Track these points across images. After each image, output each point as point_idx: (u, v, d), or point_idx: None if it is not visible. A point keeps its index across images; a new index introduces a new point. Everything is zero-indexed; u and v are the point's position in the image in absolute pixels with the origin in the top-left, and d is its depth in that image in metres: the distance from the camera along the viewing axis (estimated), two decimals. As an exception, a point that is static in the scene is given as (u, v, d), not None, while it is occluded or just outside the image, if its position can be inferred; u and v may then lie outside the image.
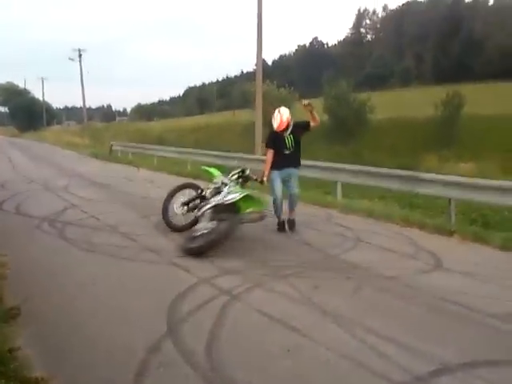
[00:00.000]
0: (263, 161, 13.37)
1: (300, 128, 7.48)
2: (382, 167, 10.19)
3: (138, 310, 4.27)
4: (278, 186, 7.46)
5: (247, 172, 7.28)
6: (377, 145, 29.05)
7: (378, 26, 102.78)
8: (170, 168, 16.59)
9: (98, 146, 28.23)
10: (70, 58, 52.20)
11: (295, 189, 7.51)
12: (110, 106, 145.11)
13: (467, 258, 6.08)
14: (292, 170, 7.53)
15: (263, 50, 18.12)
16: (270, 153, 7.48)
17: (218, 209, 6.38)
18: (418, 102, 37.00)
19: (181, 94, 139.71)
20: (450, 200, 8.02)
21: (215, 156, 15.69)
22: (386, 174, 9.33)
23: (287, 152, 7.42)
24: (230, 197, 6.42)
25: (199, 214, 6.54)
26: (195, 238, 6.17)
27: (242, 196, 6.41)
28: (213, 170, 7.69)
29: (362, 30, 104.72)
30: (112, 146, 23.74)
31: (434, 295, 4.68)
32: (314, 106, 7.35)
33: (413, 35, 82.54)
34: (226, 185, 6.82)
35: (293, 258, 5.93)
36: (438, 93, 33.79)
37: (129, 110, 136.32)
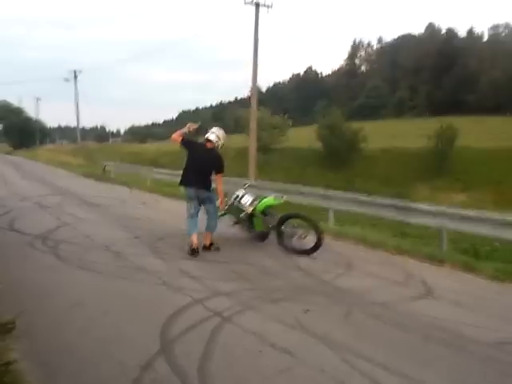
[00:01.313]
0: (257, 186, 13.56)
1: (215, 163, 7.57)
2: (374, 195, 10.28)
3: (131, 329, 4.28)
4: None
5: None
6: (369, 173, 29.32)
7: (373, 57, 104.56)
8: (163, 189, 16.60)
9: (92, 166, 28.24)
10: (65, 79, 52.43)
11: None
12: (103, 127, 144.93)
13: (457, 287, 6.13)
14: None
15: (258, 77, 18.39)
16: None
17: None
18: (411, 133, 37.53)
19: (174, 118, 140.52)
20: (441, 230, 8.11)
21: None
22: (379, 204, 9.41)
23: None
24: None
25: None
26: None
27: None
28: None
29: (357, 61, 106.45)
30: (105, 166, 23.76)
31: (424, 322, 4.72)
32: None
33: (407, 68, 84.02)
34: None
35: (285, 283, 5.95)
36: (431, 124, 34.31)
37: (122, 131, 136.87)
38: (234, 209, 8.03)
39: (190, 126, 7.70)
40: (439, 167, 30.04)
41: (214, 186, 7.68)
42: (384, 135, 40.60)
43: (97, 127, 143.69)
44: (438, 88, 74.08)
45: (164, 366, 3.53)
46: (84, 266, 6.31)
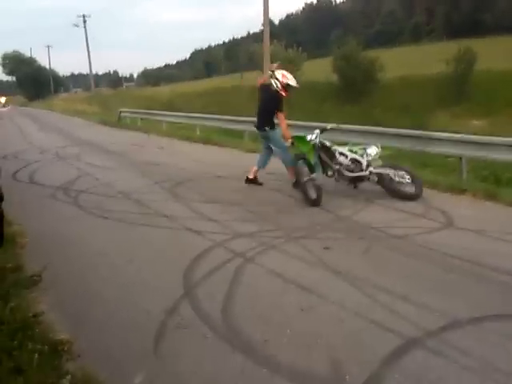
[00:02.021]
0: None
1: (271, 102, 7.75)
2: (392, 127, 10.10)
3: (155, 275, 4.39)
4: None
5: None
6: (387, 104, 28.67)
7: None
8: (179, 133, 16.59)
9: (107, 113, 28.20)
10: (74, 25, 51.80)
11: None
12: (116, 72, 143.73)
13: (478, 216, 6.09)
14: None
15: (270, 10, 17.78)
16: (283, 116, 7.65)
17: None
18: (429, 59, 36.29)
19: (187, 58, 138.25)
20: (461, 158, 8.00)
21: (224, 120, 15.62)
22: (397, 134, 9.26)
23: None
24: (372, 151, 7.19)
25: (365, 172, 7.04)
26: (402, 183, 6.86)
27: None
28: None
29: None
30: (121, 113, 23.69)
31: (445, 253, 4.72)
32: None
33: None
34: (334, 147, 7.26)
35: (304, 220, 5.99)
36: (450, 48, 33.08)
37: (135, 75, 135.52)
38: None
39: (271, 67, 8.21)
40: (459, 93, 29.19)
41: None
42: (401, 63, 39.41)
43: (110, 73, 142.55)
44: (454, 9, 70.90)
45: (188, 310, 3.63)
46: (105, 214, 6.43)
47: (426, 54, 43.11)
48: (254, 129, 14.16)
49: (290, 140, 7.41)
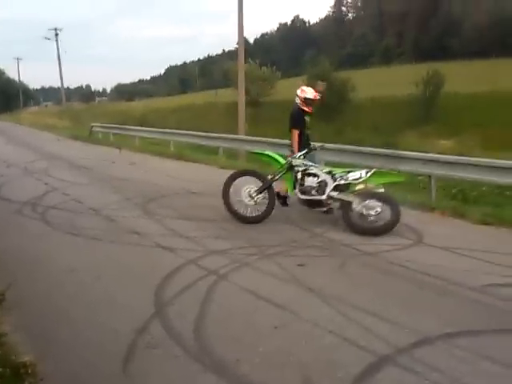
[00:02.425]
0: (248, 141, 13.47)
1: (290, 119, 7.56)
2: (364, 145, 10.26)
3: (125, 294, 4.30)
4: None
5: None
6: (359, 123, 29.16)
7: (359, 4, 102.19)
8: (152, 149, 16.48)
9: (78, 128, 27.85)
10: (46, 38, 51.25)
11: None
12: (88, 86, 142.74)
13: (447, 233, 6.19)
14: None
15: (245, 29, 17.91)
16: (296, 133, 7.36)
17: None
18: (399, 81, 37.10)
19: (162, 74, 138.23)
20: (430, 177, 8.16)
21: (198, 136, 15.60)
22: (369, 152, 9.40)
23: (308, 132, 7.53)
24: (354, 175, 6.50)
25: (321, 197, 6.55)
26: (365, 216, 6.14)
27: (372, 173, 6.48)
28: (276, 156, 7.12)
29: (343, 8, 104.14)
30: (92, 127, 23.43)
31: (415, 270, 4.78)
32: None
33: (393, 14, 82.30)
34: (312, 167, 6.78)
35: (278, 237, 5.98)
36: (419, 71, 33.96)
37: (108, 89, 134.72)
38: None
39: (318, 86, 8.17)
40: (427, 114, 29.96)
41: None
42: (373, 84, 40.17)
43: (82, 87, 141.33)
44: (423, 33, 73.02)
45: (159, 329, 3.56)
46: (74, 231, 6.30)
47: (396, 75, 44.12)
48: (228, 145, 14.24)
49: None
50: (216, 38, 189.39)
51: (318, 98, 7.45)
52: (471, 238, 5.99)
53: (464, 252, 5.38)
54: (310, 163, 6.87)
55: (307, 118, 7.50)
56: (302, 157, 6.88)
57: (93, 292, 4.36)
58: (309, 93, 7.38)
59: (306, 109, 7.39)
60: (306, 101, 7.36)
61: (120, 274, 4.84)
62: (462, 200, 8.29)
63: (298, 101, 7.44)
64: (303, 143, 7.33)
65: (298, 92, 7.44)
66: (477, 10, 66.57)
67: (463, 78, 37.27)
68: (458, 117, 28.22)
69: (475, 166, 7.65)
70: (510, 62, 47.14)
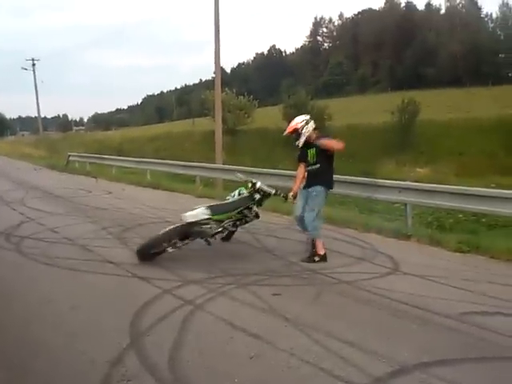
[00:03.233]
0: (225, 170, 13.52)
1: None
2: (341, 173, 10.35)
3: (100, 324, 4.22)
4: (298, 205, 6.60)
5: (258, 185, 6.47)
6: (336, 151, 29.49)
7: (335, 33, 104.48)
8: (129, 178, 16.43)
9: (55, 157, 27.61)
10: (22, 68, 51.13)
11: (304, 211, 6.48)
12: (66, 116, 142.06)
13: (423, 261, 6.26)
14: (310, 190, 6.51)
15: (221, 58, 18.16)
16: (301, 167, 6.61)
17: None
18: (375, 109, 37.93)
19: (139, 103, 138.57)
20: (406, 204, 8.26)
21: (175, 165, 15.62)
22: (346, 181, 9.47)
23: (309, 168, 6.53)
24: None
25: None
26: None
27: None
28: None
29: (319, 38, 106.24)
30: (69, 156, 23.26)
31: (392, 298, 4.81)
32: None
33: (369, 43, 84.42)
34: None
35: (254, 266, 5.97)
36: (394, 99, 34.73)
37: (86, 119, 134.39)
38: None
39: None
40: (403, 142, 30.48)
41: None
42: (349, 112, 40.90)
43: (59, 116, 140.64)
44: (398, 63, 75.01)
45: (134, 360, 3.49)
46: (50, 261, 6.18)
47: (372, 104, 45.05)
48: (205, 174, 14.26)
49: (291, 194, 6.47)
50: (193, 67, 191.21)
51: (291, 130, 6.55)
52: (447, 266, 6.07)
53: (440, 280, 5.44)
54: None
55: (310, 151, 6.52)
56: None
57: (69, 322, 4.27)
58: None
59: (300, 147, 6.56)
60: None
61: (96, 304, 4.75)
62: (437, 227, 8.43)
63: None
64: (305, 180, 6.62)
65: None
66: (451, 40, 68.73)
67: (438, 106, 38.25)
68: (434, 144, 28.81)
69: (451, 193, 7.78)
70: (483, 90, 48.67)
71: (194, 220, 6.13)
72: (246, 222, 6.63)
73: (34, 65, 51.20)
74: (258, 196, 6.45)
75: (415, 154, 27.77)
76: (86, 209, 10.31)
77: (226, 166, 14.21)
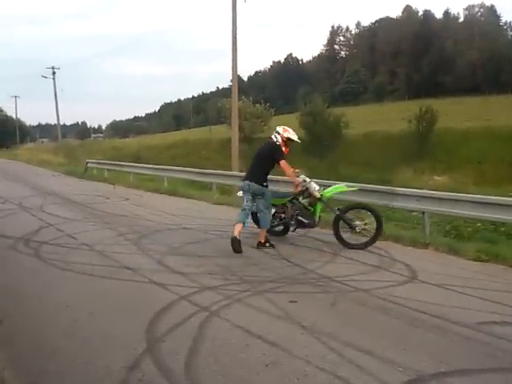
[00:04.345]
0: (241, 177, 13.52)
1: (271, 153, 7.42)
2: (358, 181, 10.31)
3: (117, 330, 4.25)
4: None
5: (305, 183, 7.67)
6: (352, 159, 29.44)
7: (352, 42, 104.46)
8: (146, 185, 16.55)
9: (73, 164, 27.94)
10: (43, 76, 51.89)
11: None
12: (84, 123, 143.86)
13: (441, 270, 6.20)
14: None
15: (238, 66, 18.28)
16: (286, 164, 7.35)
17: None
18: (392, 117, 37.75)
19: (156, 110, 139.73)
20: (423, 213, 8.18)
21: (192, 173, 15.69)
22: (363, 189, 9.42)
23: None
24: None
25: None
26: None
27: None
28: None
29: (336, 46, 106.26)
30: (87, 163, 23.53)
31: (409, 307, 4.77)
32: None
33: (386, 51, 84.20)
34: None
35: (270, 274, 5.96)
36: (411, 107, 34.54)
37: (104, 126, 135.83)
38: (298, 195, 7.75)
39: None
40: (421, 150, 30.33)
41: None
42: (365, 120, 40.76)
43: (78, 124, 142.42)
44: (416, 71, 74.65)
45: (150, 366, 3.50)
46: (68, 267, 6.25)
47: (389, 112, 44.83)
48: (222, 181, 14.28)
49: (299, 180, 7.53)
50: (210, 75, 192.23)
51: (299, 141, 7.70)
52: (465, 275, 6.00)
53: (458, 289, 5.39)
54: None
55: None
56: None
57: (86, 328, 4.31)
58: (292, 134, 7.44)
59: (283, 149, 7.38)
60: (287, 141, 7.40)
61: (113, 309, 4.79)
62: (456, 236, 8.33)
63: (278, 138, 7.41)
64: None
65: (280, 130, 7.45)
66: (469, 48, 68.26)
67: (456, 114, 37.94)
68: (452, 153, 28.59)
69: (469, 202, 7.69)
70: (502, 98, 48.16)
71: None
72: (301, 224, 7.67)
73: (54, 73, 51.97)
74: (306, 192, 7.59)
75: (433, 162, 27.57)
76: (103, 215, 10.41)
77: (242, 174, 14.22)
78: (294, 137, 7.48)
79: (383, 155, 28.97)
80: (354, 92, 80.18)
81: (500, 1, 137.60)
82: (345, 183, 8.35)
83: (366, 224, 7.38)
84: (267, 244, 7.33)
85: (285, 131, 7.43)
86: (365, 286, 5.42)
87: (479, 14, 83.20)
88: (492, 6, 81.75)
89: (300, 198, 7.67)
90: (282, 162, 7.26)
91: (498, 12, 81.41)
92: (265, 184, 7.41)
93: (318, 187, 7.56)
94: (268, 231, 7.59)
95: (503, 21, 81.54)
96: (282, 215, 7.82)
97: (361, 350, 3.76)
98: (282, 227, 7.99)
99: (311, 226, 7.69)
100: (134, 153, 35.23)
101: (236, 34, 18.22)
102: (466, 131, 31.68)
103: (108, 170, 21.29)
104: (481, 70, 65.38)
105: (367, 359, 3.61)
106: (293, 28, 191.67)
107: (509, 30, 80.00)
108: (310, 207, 7.60)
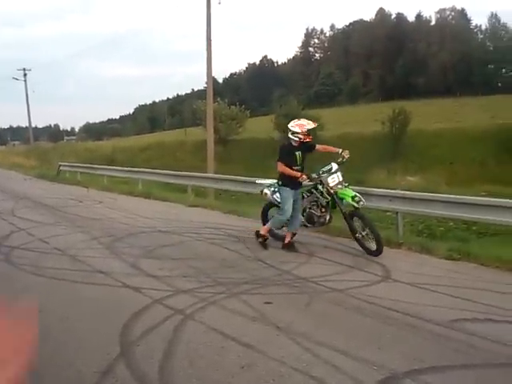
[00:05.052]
0: (216, 179, 13.53)
1: (307, 147, 7.39)
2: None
3: (90, 334, 4.19)
4: (291, 205, 7.18)
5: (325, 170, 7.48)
6: (327, 160, 29.61)
7: (326, 44, 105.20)
8: (120, 187, 16.38)
9: (46, 167, 27.49)
10: (14, 78, 50.96)
11: (298, 211, 7.33)
12: (57, 126, 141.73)
13: (414, 269, 6.27)
14: (298, 192, 7.37)
15: (214, 68, 18.25)
16: (283, 165, 7.14)
17: None
18: (366, 119, 38.19)
19: (131, 112, 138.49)
20: (397, 213, 8.28)
21: (167, 175, 15.59)
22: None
23: (296, 169, 7.17)
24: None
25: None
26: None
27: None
28: None
29: (311, 48, 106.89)
30: (60, 166, 23.17)
31: (383, 306, 4.81)
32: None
33: (360, 54, 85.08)
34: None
35: (245, 275, 5.95)
36: (385, 109, 34.99)
37: (77, 129, 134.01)
38: (314, 179, 7.35)
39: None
40: (394, 151, 30.74)
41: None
42: (340, 122, 41.12)
43: (50, 126, 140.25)
44: (389, 73, 75.70)
45: (124, 370, 3.46)
46: (39, 272, 6.13)
47: (363, 114, 45.34)
48: (197, 183, 14.23)
49: (304, 176, 7.08)
50: (185, 77, 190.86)
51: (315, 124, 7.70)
52: (438, 274, 6.08)
53: (431, 287, 5.46)
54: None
55: (297, 154, 7.23)
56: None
57: (58, 333, 4.22)
58: (308, 124, 7.30)
59: (308, 139, 7.23)
60: (308, 132, 7.25)
61: (86, 314, 4.72)
62: (428, 235, 8.46)
63: (294, 138, 7.19)
64: (295, 181, 7.16)
65: (296, 129, 7.18)
66: (441, 51, 69.52)
67: (428, 115, 38.58)
68: (424, 154, 29.04)
69: (441, 202, 7.80)
70: (473, 100, 49.16)
71: None
72: (311, 219, 7.46)
73: (25, 74, 51.04)
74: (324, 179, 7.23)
75: (406, 163, 27.96)
76: (76, 219, 10.26)
77: (218, 176, 14.23)
78: (310, 125, 7.33)
79: (357, 156, 29.19)
80: (328, 94, 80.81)
81: (470, 4, 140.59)
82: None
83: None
84: (260, 239, 7.44)
85: (301, 127, 7.19)
86: (339, 286, 5.46)
87: (450, 17, 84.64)
88: (463, 10, 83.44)
89: (320, 187, 7.32)
90: (278, 164, 7.19)
91: (469, 15, 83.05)
92: (280, 183, 7.36)
93: (336, 180, 7.24)
94: (273, 235, 7.61)
95: (473, 24, 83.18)
96: None
97: (335, 349, 3.78)
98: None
99: (321, 223, 7.49)
100: (108, 155, 34.83)
101: (210, 35, 18.19)
102: (438, 132, 32.24)
103: (81, 172, 21.01)
104: (452, 72, 66.67)
105: (342, 359, 3.63)
106: (268, 30, 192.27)
107: (479, 33, 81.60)
108: (326, 198, 7.27)
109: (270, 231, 7.57)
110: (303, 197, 7.44)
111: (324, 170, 7.34)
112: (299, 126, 7.23)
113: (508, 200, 7.07)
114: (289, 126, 7.33)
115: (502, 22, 76.60)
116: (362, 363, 3.56)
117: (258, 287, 5.48)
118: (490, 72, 68.09)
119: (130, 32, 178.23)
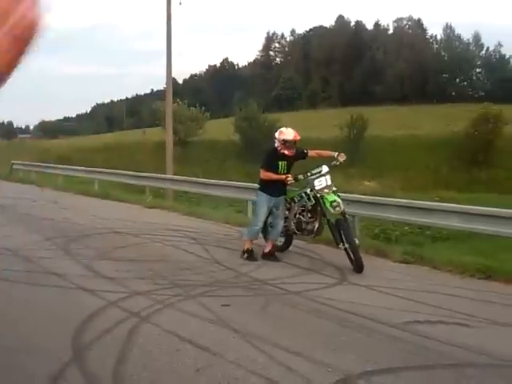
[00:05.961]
0: (175, 181, 13.42)
1: (297, 155, 7.06)
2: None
3: (42, 338, 4.07)
4: (263, 213, 6.93)
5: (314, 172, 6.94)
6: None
7: (287, 49, 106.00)
8: (76, 187, 16.01)
9: (-3, 165, 26.60)
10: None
11: (280, 219, 6.98)
12: (10, 123, 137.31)
13: (370, 272, 6.37)
14: (281, 199, 6.95)
15: (174, 69, 18.09)
16: (264, 172, 6.91)
17: None
18: (325, 124, 38.64)
19: (88, 111, 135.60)
20: (354, 216, 8.41)
21: (125, 175, 15.35)
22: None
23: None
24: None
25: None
26: None
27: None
28: None
29: (271, 52, 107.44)
30: (13, 165, 22.44)
31: (338, 308, 4.87)
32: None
33: (319, 59, 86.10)
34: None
35: (203, 278, 5.92)
36: (343, 115, 35.51)
37: (32, 127, 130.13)
38: (304, 182, 6.96)
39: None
40: (352, 156, 31.13)
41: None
42: (299, 126, 41.22)
43: (3, 123, 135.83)
44: (348, 79, 76.96)
45: (76, 375, 3.38)
46: (-11, 273, 5.93)
47: (322, 118, 45.89)
48: (156, 184, 14.10)
49: (289, 178, 6.70)
50: (144, 77, 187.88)
51: (298, 138, 7.01)
52: (392, 277, 6.20)
53: (386, 290, 5.56)
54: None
55: (282, 163, 6.87)
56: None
57: (8, 337, 4.08)
58: (288, 134, 6.86)
59: (286, 152, 6.80)
60: (285, 143, 6.81)
61: (37, 317, 4.58)
62: (384, 239, 8.62)
63: (276, 144, 6.89)
64: (273, 188, 6.86)
65: (276, 134, 6.94)
66: (398, 59, 71.21)
67: (385, 122, 39.37)
68: (381, 159, 29.60)
69: (397, 206, 7.99)
70: (428, 108, 50.54)
71: None
72: (299, 226, 6.91)
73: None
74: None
75: (363, 168, 28.39)
76: (29, 219, 9.97)
77: (176, 177, 14.13)
78: (289, 136, 6.84)
79: (315, 160, 29.58)
80: (288, 98, 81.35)
81: (426, 14, 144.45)
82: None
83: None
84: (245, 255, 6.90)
85: (280, 134, 6.90)
86: (296, 289, 5.50)
87: (407, 26, 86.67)
88: (419, 20, 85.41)
89: (308, 191, 6.84)
90: (261, 171, 6.97)
91: (425, 25, 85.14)
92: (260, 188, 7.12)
93: (324, 183, 6.74)
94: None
95: (429, 34, 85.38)
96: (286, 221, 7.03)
97: (291, 351, 3.80)
98: (283, 240, 7.32)
99: (309, 230, 6.96)
100: (64, 154, 33.96)
101: (171, 34, 18.00)
102: (395, 139, 32.96)
103: (36, 171, 20.42)
104: (408, 80, 68.35)
105: (297, 361, 3.65)
106: (229, 33, 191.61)
107: (434, 43, 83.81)
108: (312, 202, 6.79)
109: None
110: (294, 201, 7.00)
111: (313, 172, 6.85)
112: (280, 132, 6.97)
113: (458, 205, 7.30)
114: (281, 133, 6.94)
115: (456, 33, 78.92)
116: (317, 365, 3.59)
117: (215, 289, 5.46)
118: (444, 81, 70.12)
119: (86, 29, 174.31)
